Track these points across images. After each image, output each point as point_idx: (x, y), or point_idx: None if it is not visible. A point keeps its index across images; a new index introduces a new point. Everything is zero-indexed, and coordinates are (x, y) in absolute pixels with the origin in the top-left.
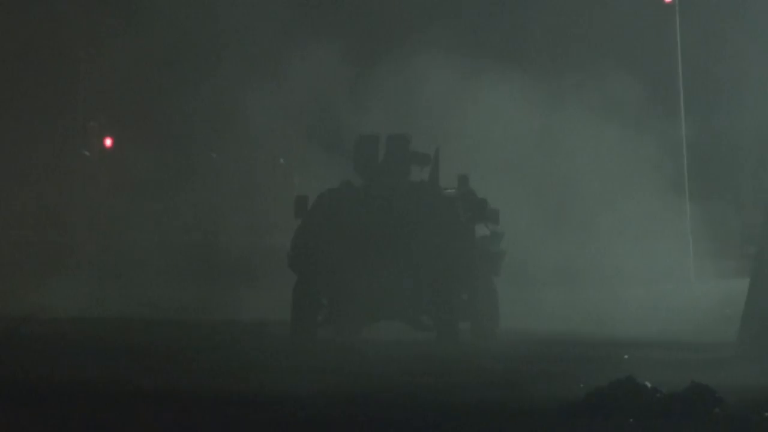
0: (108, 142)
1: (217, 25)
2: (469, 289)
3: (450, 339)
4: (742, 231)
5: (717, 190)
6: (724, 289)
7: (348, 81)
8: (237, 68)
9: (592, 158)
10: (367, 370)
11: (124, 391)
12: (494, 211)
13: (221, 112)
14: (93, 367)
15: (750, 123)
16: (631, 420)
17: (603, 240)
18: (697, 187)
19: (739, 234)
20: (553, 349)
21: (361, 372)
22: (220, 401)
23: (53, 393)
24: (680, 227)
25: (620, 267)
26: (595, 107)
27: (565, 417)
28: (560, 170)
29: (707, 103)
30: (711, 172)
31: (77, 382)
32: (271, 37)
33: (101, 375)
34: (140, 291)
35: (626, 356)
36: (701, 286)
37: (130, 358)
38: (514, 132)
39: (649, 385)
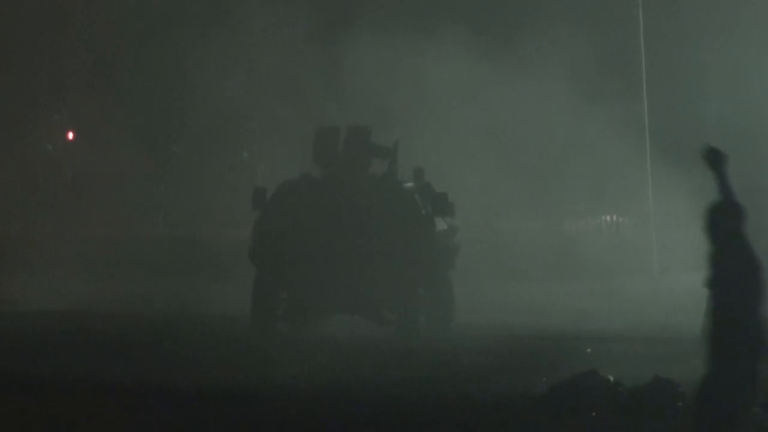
0: (70, 135)
1: (180, 16)
2: (427, 284)
3: (410, 333)
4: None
5: (681, 181)
6: (688, 283)
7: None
8: (201, 60)
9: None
10: (329, 365)
11: (94, 386)
12: (450, 205)
13: (184, 104)
14: (63, 361)
15: (715, 111)
16: (594, 414)
17: (564, 231)
18: (660, 178)
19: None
20: (516, 342)
21: (324, 366)
22: (184, 396)
23: (31, 389)
24: (643, 220)
25: (583, 259)
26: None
27: (527, 411)
28: (517, 157)
29: (670, 88)
30: (674, 162)
31: (45, 378)
32: (235, 27)
33: (72, 370)
34: (102, 285)
35: (589, 350)
36: (664, 279)
37: (97, 352)
38: (465, 112)
39: (612, 379)
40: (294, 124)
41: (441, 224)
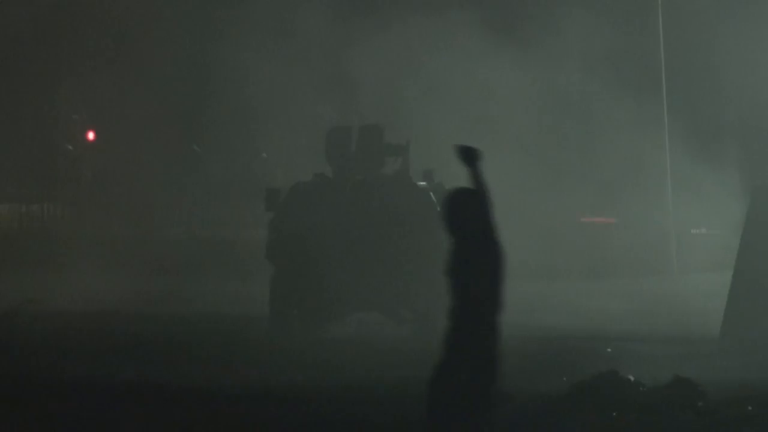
0: (90, 135)
1: (200, 18)
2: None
3: (430, 333)
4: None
5: (701, 178)
6: (707, 282)
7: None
8: (221, 60)
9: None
10: (350, 364)
11: (114, 386)
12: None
13: (205, 104)
14: (84, 361)
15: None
16: (615, 414)
17: (582, 231)
18: (680, 176)
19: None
20: (535, 342)
21: (340, 366)
22: (204, 396)
23: (46, 389)
24: (663, 219)
25: (602, 258)
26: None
27: (548, 411)
28: (531, 153)
29: (690, 83)
30: (695, 158)
31: (66, 378)
32: (252, 31)
33: (95, 369)
34: (126, 284)
35: (609, 350)
36: (684, 278)
37: (120, 352)
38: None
39: (632, 379)
40: (312, 124)
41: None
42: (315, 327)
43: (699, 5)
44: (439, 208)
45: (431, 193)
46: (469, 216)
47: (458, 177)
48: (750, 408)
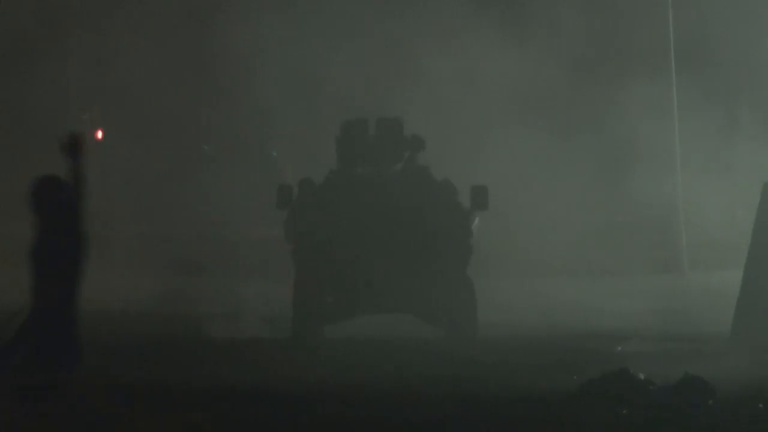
0: (99, 134)
1: (208, 15)
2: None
3: (467, 335)
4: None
5: (712, 173)
6: (718, 279)
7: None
8: (228, 56)
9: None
10: (365, 363)
11: (120, 385)
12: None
13: (214, 103)
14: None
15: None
16: (625, 412)
17: (591, 228)
18: (690, 174)
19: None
20: (543, 341)
21: (358, 365)
22: (215, 396)
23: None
24: (672, 215)
25: (610, 256)
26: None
27: (558, 409)
28: (535, 147)
29: (700, 69)
30: (705, 151)
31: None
32: (263, 29)
33: (103, 370)
34: (135, 283)
35: (619, 348)
36: (694, 275)
37: (127, 352)
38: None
39: (642, 377)
40: (322, 122)
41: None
42: (337, 325)
43: None
44: (464, 205)
45: (456, 188)
46: (49, 203)
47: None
48: (761, 406)
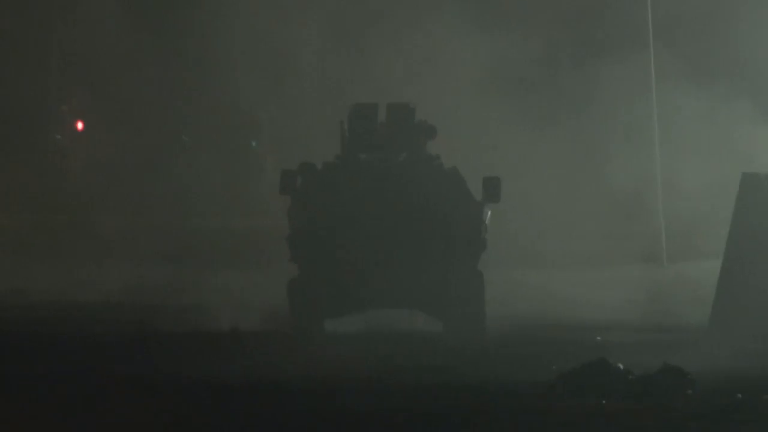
0: (79, 125)
1: (189, 4)
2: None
3: (476, 330)
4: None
5: (690, 162)
6: (696, 271)
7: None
8: (208, 46)
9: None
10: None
11: (112, 381)
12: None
13: (193, 93)
14: (77, 355)
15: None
16: (604, 402)
17: (569, 219)
18: (668, 166)
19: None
20: (523, 332)
21: (335, 357)
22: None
23: (40, 383)
24: (651, 207)
25: (589, 248)
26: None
27: (536, 399)
28: (516, 144)
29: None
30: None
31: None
32: (242, 14)
33: (88, 363)
34: (117, 275)
35: (599, 338)
36: (672, 266)
37: (115, 345)
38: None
39: (621, 367)
40: (304, 111)
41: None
42: (342, 324)
43: None
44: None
45: (461, 180)
46: None
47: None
48: (739, 395)
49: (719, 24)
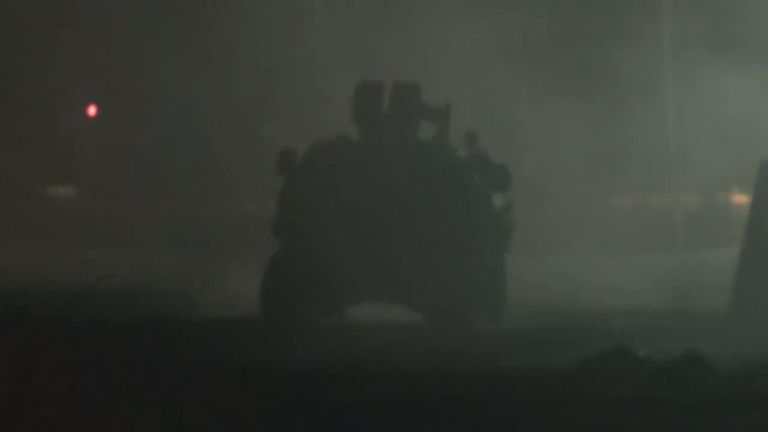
0: (92, 110)
1: None
2: (480, 268)
3: (461, 324)
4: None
5: (708, 147)
6: (714, 258)
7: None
8: (220, 26)
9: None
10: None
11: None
12: (509, 178)
13: (205, 77)
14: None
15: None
16: (624, 389)
17: (584, 207)
18: (684, 150)
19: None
20: (541, 318)
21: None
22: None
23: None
24: (666, 191)
25: (605, 234)
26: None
27: (556, 386)
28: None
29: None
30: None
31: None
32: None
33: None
34: (130, 260)
35: (617, 325)
36: (689, 253)
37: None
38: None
39: (642, 354)
40: (320, 91)
41: (497, 200)
42: (323, 316)
43: None
44: (478, 185)
45: (472, 166)
46: None
47: (504, 142)
48: (761, 382)
49: None
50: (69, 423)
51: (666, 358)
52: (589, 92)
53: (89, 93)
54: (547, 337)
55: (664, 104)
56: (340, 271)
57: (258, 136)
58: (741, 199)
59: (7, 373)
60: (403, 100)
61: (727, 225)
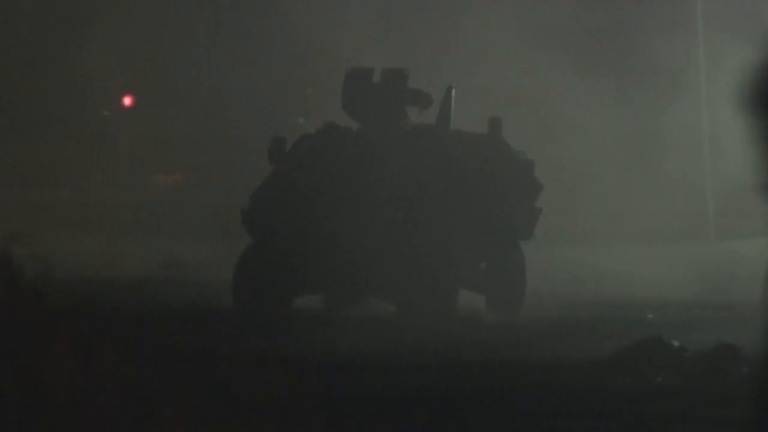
0: (127, 100)
1: None
2: (489, 257)
3: (446, 320)
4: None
5: (740, 140)
6: (746, 248)
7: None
8: (252, 21)
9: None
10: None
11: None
12: (529, 163)
13: (241, 69)
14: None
15: None
16: (659, 379)
17: (617, 197)
18: (717, 138)
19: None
20: (574, 309)
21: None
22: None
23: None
24: (698, 183)
25: (636, 225)
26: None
27: (591, 376)
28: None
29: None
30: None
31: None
32: None
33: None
34: (159, 250)
35: (650, 315)
36: (721, 244)
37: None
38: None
39: (676, 344)
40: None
41: (519, 186)
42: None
43: None
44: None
45: (481, 151)
46: None
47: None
48: None
49: None
50: (130, 411)
51: (700, 349)
52: (623, 80)
53: (124, 85)
54: (580, 327)
55: (698, 93)
56: (323, 264)
57: (294, 127)
58: None
59: (69, 361)
60: (390, 86)
61: (760, 215)
